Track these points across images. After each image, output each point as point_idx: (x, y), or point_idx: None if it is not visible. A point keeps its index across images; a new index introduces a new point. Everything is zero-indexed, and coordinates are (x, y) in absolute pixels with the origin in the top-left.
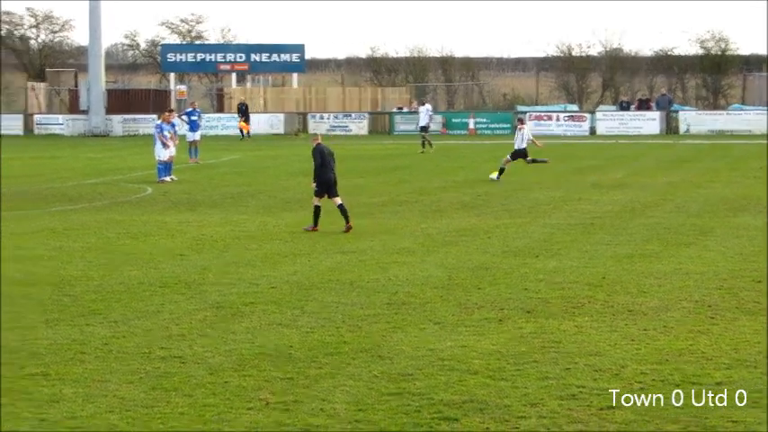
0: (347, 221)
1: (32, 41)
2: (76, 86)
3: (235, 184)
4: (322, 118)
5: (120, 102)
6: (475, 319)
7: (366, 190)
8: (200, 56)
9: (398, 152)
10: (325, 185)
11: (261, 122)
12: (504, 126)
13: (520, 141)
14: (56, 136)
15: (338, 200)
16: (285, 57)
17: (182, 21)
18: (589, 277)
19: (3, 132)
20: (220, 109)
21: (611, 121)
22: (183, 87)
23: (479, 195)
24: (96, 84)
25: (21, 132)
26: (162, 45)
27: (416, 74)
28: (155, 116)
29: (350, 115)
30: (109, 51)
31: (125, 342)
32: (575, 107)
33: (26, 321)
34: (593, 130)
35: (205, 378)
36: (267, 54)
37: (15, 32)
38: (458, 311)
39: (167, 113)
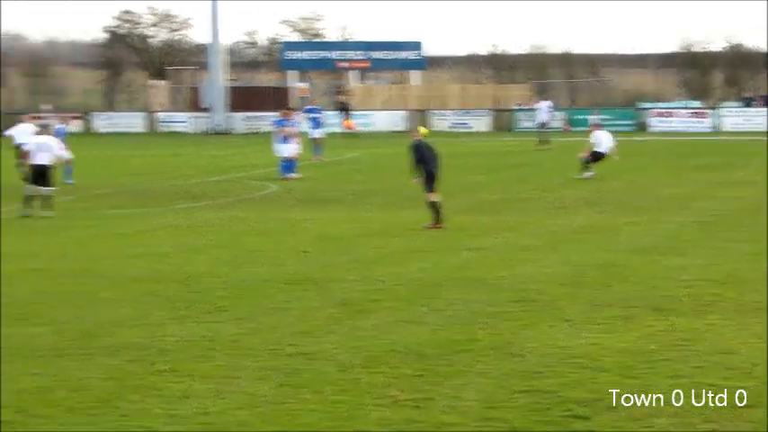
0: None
1: (152, 40)
2: (197, 84)
3: (357, 182)
4: (443, 115)
5: (242, 99)
6: (604, 317)
7: (487, 187)
8: (319, 53)
9: (520, 149)
10: (428, 179)
11: (382, 120)
12: (627, 123)
13: (600, 144)
14: (178, 133)
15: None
16: (404, 54)
17: (301, 18)
18: (717, 275)
19: (124, 130)
20: None
21: (735, 118)
22: (304, 85)
23: (602, 192)
24: (217, 81)
25: (143, 130)
26: (284, 43)
27: (537, 71)
28: (276, 113)
29: (471, 112)
30: (231, 49)
31: (253, 339)
32: (697, 103)
33: (153, 318)
34: (715, 127)
35: (334, 375)
36: (385, 51)
37: (135, 31)
38: (586, 309)
39: (286, 111)
